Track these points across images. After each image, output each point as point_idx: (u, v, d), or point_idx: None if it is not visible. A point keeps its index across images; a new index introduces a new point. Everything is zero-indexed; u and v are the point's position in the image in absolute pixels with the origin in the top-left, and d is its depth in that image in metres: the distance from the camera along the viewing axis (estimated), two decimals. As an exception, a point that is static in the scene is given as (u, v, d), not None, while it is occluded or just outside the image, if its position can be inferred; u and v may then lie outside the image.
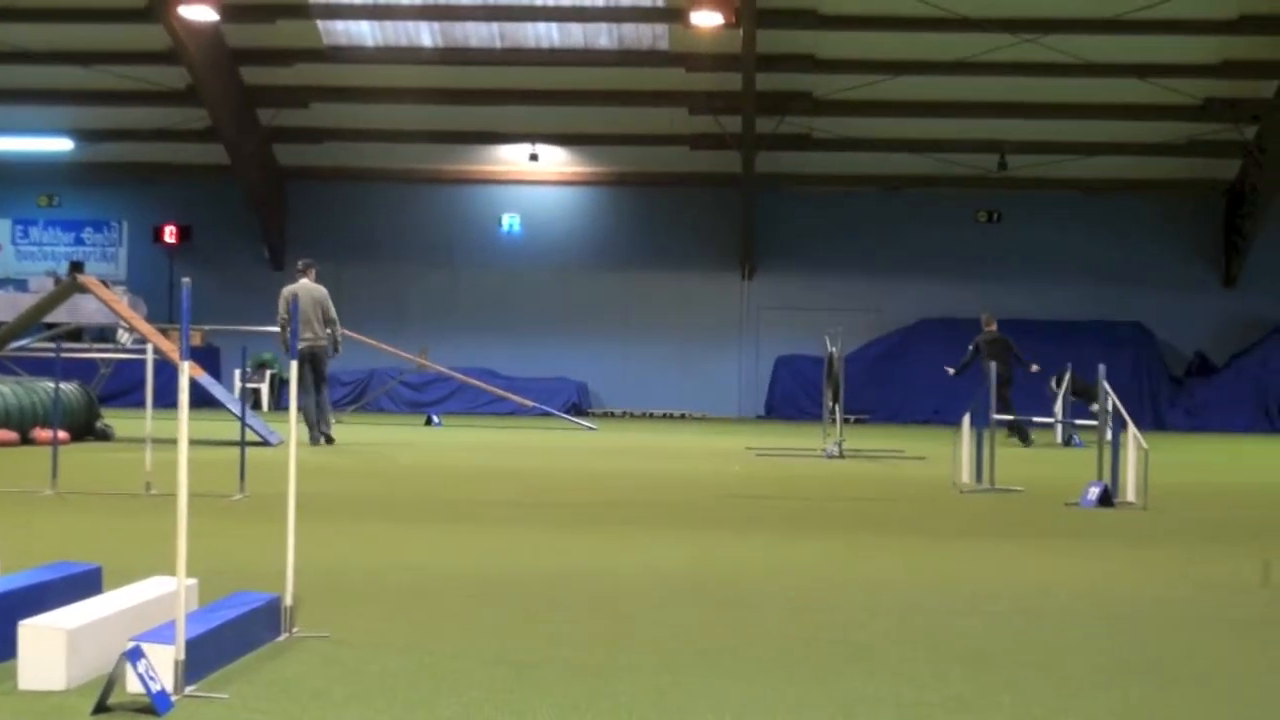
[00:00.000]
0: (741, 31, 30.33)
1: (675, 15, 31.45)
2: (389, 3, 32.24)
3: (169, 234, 36.84)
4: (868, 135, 34.72)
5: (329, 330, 21.13)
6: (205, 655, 5.35)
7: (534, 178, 37.07)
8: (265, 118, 35.49)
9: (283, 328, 21.10)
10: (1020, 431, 24.56)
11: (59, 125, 36.64)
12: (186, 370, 5.33)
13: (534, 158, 36.44)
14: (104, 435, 20.97)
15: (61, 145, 37.13)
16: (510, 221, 37.29)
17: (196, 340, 31.45)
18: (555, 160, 36.90)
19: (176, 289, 36.03)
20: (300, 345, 20.82)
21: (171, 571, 6.36)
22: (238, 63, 34.06)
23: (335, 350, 21.39)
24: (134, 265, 37.74)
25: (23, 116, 36.26)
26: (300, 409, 19.65)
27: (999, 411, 23.78)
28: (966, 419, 15.78)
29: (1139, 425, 14.59)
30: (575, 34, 32.97)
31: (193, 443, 16.61)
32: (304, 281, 21.44)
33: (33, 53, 33.10)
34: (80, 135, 36.68)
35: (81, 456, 16.82)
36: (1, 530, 7.78)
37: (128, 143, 36.38)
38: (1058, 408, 25.16)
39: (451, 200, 37.28)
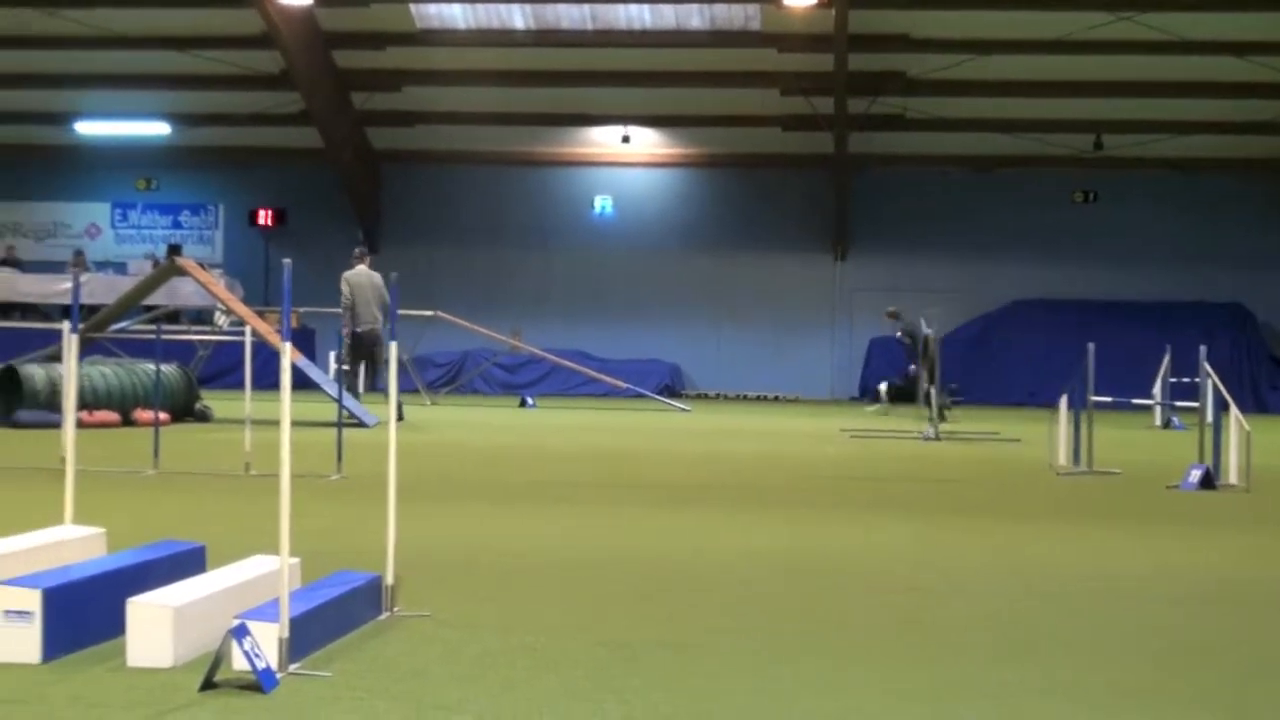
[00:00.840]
0: (834, 11, 30.16)
1: (768, -5, 31.37)
2: (482, -14, 32.37)
3: (264, 217, 37.15)
4: (962, 115, 34.44)
5: (383, 315, 21.60)
6: (308, 633, 5.41)
7: (626, 160, 37.08)
8: (358, 101, 35.68)
9: (346, 311, 21.48)
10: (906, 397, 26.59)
11: (156, 110, 37.00)
12: (289, 351, 5.39)
13: (626, 140, 36.44)
14: (203, 416, 21.20)
15: (159, 130, 37.49)
16: (603, 204, 37.33)
17: (292, 323, 31.70)
18: (647, 142, 36.89)
19: (272, 272, 36.36)
20: (361, 329, 21.57)
21: (273, 550, 6.43)
22: (331, 47, 34.25)
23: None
24: (230, 248, 38.08)
25: (121, 101, 36.64)
26: (348, 388, 20.08)
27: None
28: (1064, 400, 15.66)
29: (1239, 407, 14.43)
30: (667, 15, 32.93)
31: (291, 424, 16.68)
32: (360, 268, 21.94)
33: (130, 38, 33.43)
34: (177, 120, 37.04)
35: (181, 437, 17.01)
36: (107, 509, 7.90)
37: (223, 127, 36.69)
38: (1156, 389, 24.88)
39: (544, 183, 37.36)
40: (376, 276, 21.84)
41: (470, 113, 35.75)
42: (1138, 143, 34.82)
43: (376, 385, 23.08)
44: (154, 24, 33.26)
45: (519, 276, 37.06)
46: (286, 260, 5.53)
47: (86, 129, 37.43)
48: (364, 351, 21.75)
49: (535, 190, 37.36)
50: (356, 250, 22.43)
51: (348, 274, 21.79)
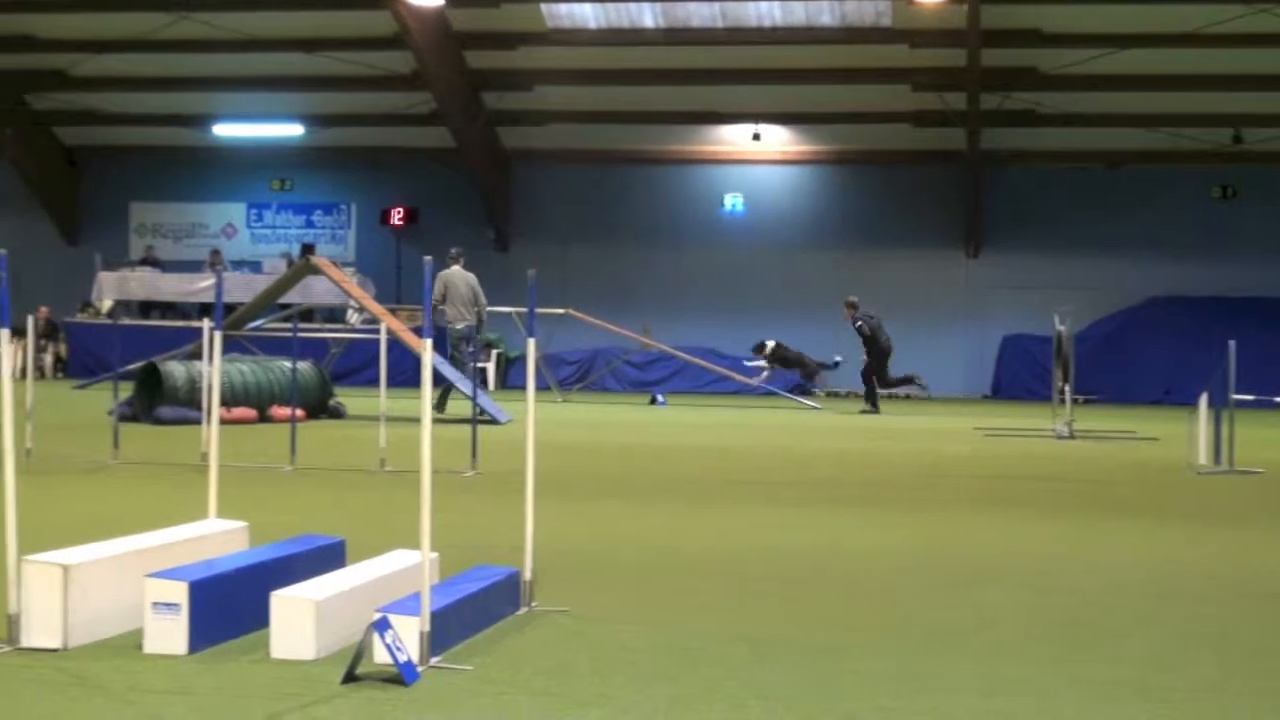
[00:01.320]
0: (966, 6, 29.90)
1: (899, -9, 31.15)
2: (612, -16, 32.43)
3: (396, 216, 37.46)
4: (1095, 110, 33.99)
5: (477, 312, 22.54)
6: (448, 627, 5.43)
7: (756, 157, 36.98)
8: (489, 101, 35.89)
9: (434, 307, 22.04)
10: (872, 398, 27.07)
11: (290, 111, 37.47)
12: (429, 347, 5.41)
13: (756, 137, 36.35)
14: (337, 413, 21.42)
15: (292, 131, 37.97)
16: (733, 201, 37.25)
17: (423, 320, 31.92)
18: (777, 139, 36.77)
19: (404, 270, 36.65)
20: (459, 327, 22.35)
21: (410, 545, 6.48)
22: (462, 47, 34.48)
23: (480, 329, 23.09)
24: (362, 247, 38.45)
25: (255, 103, 37.15)
26: (453, 383, 20.75)
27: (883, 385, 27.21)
28: (1204, 399, 15.39)
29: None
30: (797, 12, 32.80)
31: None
32: (455, 269, 22.54)
33: (264, 40, 33.86)
34: (310, 120, 37.48)
35: (317, 433, 17.19)
36: (247, 504, 7.99)
37: (356, 127, 37.07)
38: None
39: (674, 181, 37.36)
40: (471, 277, 22.59)
41: (600, 111, 35.83)
42: (1277, 137, 34.15)
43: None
44: (288, 27, 33.68)
45: (649, 274, 37.08)
46: (428, 258, 5.55)
47: (223, 131, 37.99)
48: (457, 347, 22.64)
49: (665, 188, 37.37)
50: (453, 251, 23.05)
51: (444, 272, 22.35)
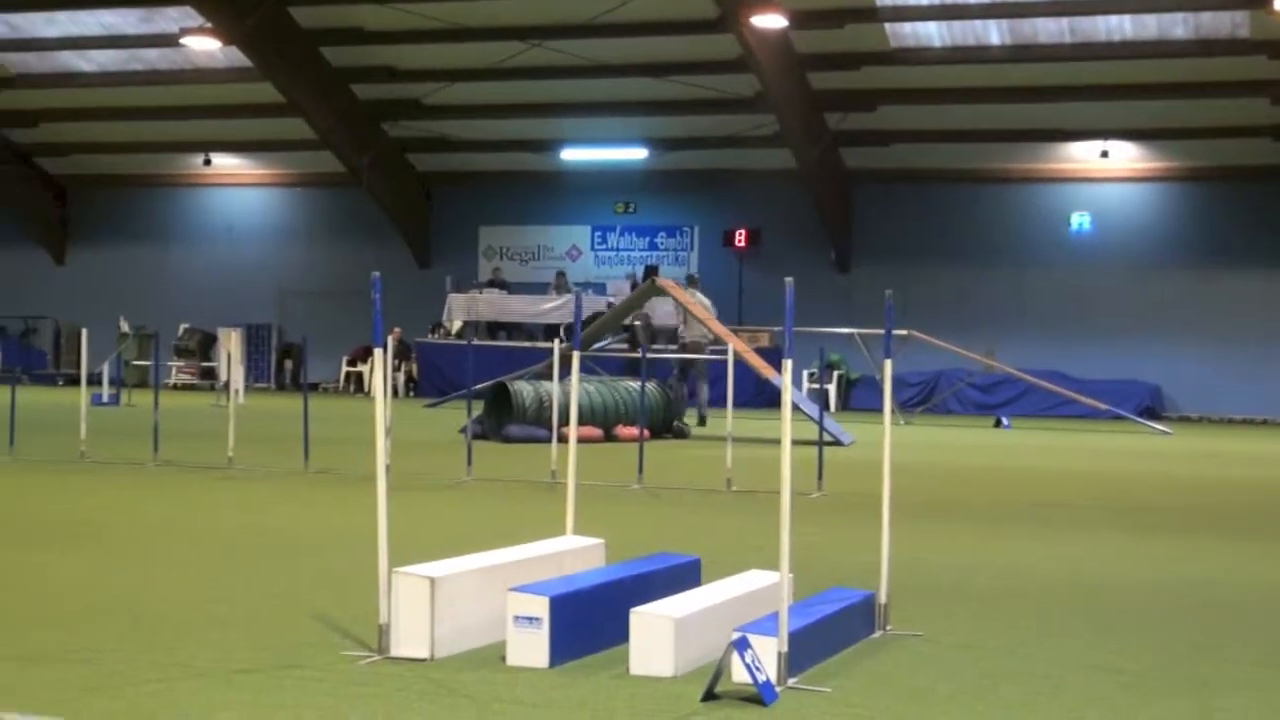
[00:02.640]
0: (1330, 15, 28.73)
1: (1257, 1, 30.01)
2: (957, 2, 32.04)
3: (739, 238, 37.71)
4: None
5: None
6: (806, 648, 5.42)
7: (1105, 175, 36.12)
8: (832, 122, 35.87)
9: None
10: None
11: (635, 135, 38.07)
12: (789, 369, 5.40)
13: (1105, 154, 35.53)
14: (681, 433, 21.62)
15: (636, 155, 38.58)
16: (1080, 220, 36.45)
17: (764, 341, 32.06)
18: (1126, 156, 35.86)
19: (746, 293, 36.85)
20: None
21: (761, 565, 6.49)
22: (806, 68, 34.51)
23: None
24: (704, 268, 38.76)
25: (601, 128, 37.86)
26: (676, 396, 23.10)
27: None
28: None
29: None
30: (1149, 25, 31.93)
31: (770, 441, 16.98)
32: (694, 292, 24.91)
33: (611, 66, 34.48)
34: (654, 144, 38.02)
35: (662, 453, 17.35)
36: (599, 521, 8.10)
37: (699, 150, 37.45)
38: None
39: (1018, 199, 36.75)
40: (705, 299, 24.83)
41: (944, 130, 35.49)
42: None
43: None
44: (635, 52, 34.23)
45: (992, 294, 36.54)
46: (789, 279, 5.55)
47: (570, 155, 38.80)
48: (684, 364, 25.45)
49: (1009, 207, 36.80)
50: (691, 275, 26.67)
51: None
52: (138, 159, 42.39)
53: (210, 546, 8.91)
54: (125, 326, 36.60)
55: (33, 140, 42.32)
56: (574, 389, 7.14)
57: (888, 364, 6.63)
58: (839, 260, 37.61)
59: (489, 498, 12.33)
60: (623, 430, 19.76)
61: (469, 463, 13.71)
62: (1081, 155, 36.08)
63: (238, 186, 43.05)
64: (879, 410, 24.85)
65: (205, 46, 34.84)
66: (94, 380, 25.77)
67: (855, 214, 37.92)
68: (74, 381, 31.01)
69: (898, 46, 33.48)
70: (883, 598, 6.34)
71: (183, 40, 34.31)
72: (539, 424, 18.85)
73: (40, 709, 4.68)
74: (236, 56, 35.72)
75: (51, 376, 40.20)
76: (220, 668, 5.42)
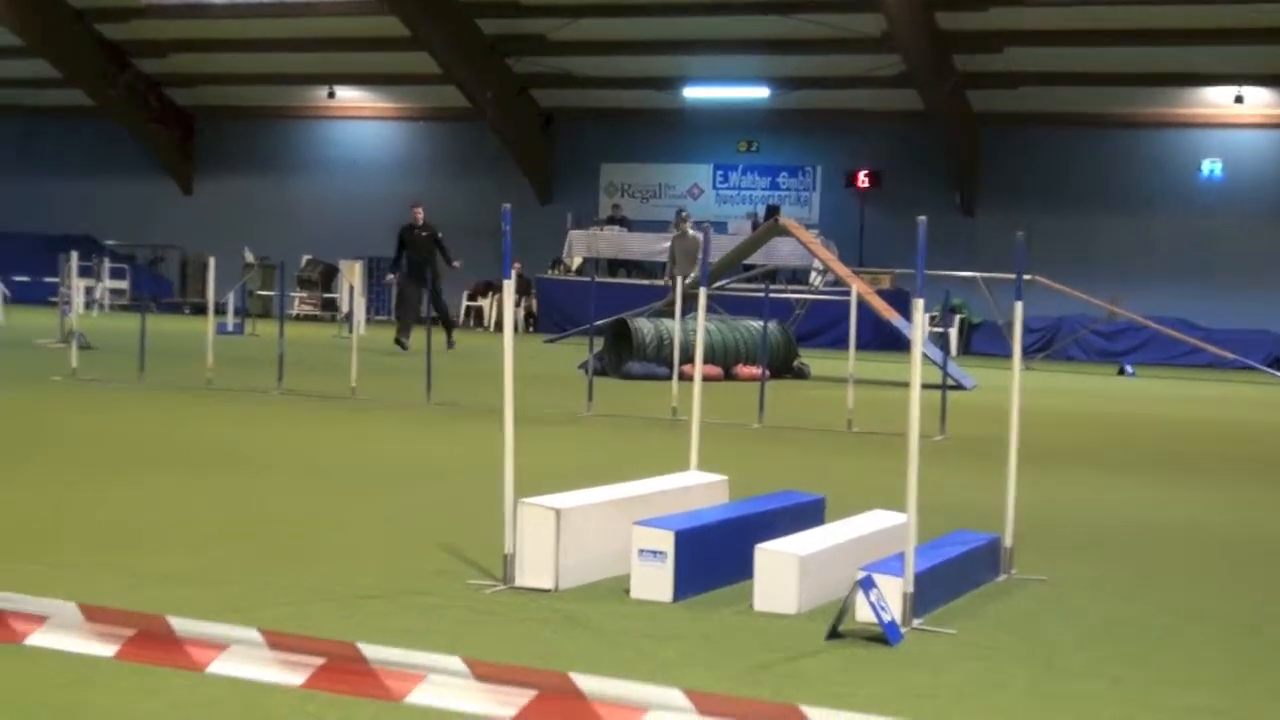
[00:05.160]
0: None
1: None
2: (1090, -57, 31.51)
3: (861, 179, 37.42)
4: None
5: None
6: (931, 590, 5.40)
7: (1238, 120, 35.43)
8: (959, 63, 35.43)
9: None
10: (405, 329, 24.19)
11: (758, 74, 37.83)
12: (919, 308, 5.36)
13: (1239, 100, 34.85)
14: (800, 373, 21.56)
15: (759, 93, 38.35)
16: (1211, 167, 35.81)
17: (886, 284, 31.84)
18: (1261, 102, 35.16)
19: (866, 233, 36.61)
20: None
21: (883, 506, 6.47)
22: (933, 8, 34.09)
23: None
24: (825, 210, 38.53)
25: (723, 66, 37.65)
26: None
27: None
28: None
29: None
30: (1287, -32, 31.27)
31: (890, 384, 16.85)
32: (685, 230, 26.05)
33: (736, 4, 34.28)
34: (777, 83, 37.77)
35: (781, 393, 17.29)
36: (719, 459, 8.07)
37: (822, 90, 37.16)
38: None
39: (1147, 145, 36.16)
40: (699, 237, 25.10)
41: (1072, 73, 34.96)
42: None
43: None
44: (759, -11, 33.98)
45: (1117, 241, 36.02)
46: (921, 218, 5.51)
47: (693, 93, 38.65)
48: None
49: (1137, 153, 36.22)
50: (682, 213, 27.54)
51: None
52: (263, 91, 42.77)
53: (335, 475, 9.01)
54: (249, 257, 37.01)
55: (162, 70, 42.80)
56: (699, 326, 7.12)
57: (1018, 306, 6.57)
58: (963, 203, 37.23)
59: (609, 433, 12.37)
60: (742, 369, 19.74)
61: (589, 398, 13.77)
62: (1214, 100, 35.41)
63: (360, 120, 43.32)
64: (999, 355, 24.83)
65: (332, -21, 35.05)
66: (219, 310, 26.13)
67: (981, 157, 37.48)
68: (200, 310, 31.46)
69: (1017, -14, 32.97)
70: (1008, 541, 6.29)
71: (310, -27, 34.55)
72: (658, 361, 18.87)
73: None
74: (363, -11, 35.92)
75: (178, 305, 40.74)
76: (348, 593, 5.50)
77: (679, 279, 23.62)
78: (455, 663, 2.37)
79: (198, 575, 5.74)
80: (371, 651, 2.28)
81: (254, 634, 2.29)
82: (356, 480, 8.76)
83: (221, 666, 2.29)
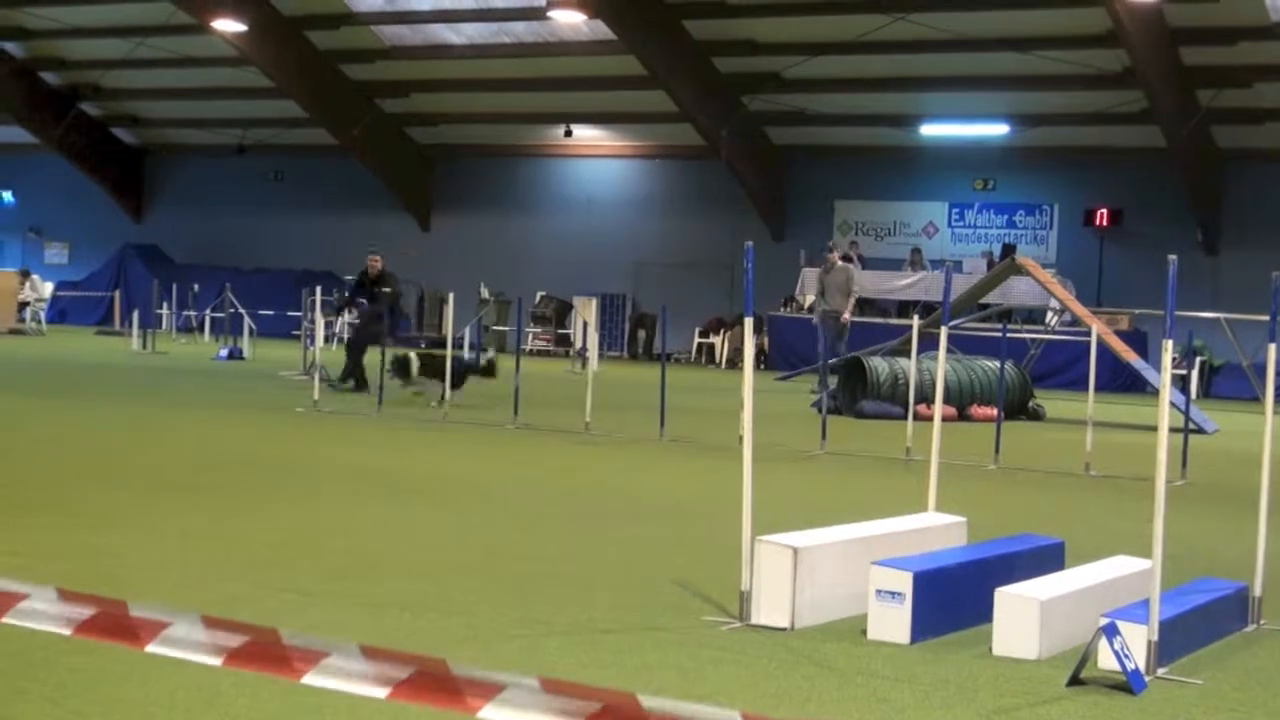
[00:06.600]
0: None
1: None
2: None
3: (1100, 217, 36.71)
4: None
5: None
6: (1176, 638, 5.27)
7: None
8: (1204, 99, 34.62)
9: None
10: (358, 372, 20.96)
11: (996, 111, 37.34)
12: (1169, 349, 5.26)
13: None
14: (1036, 415, 21.22)
15: (997, 130, 37.87)
16: None
17: (1124, 324, 31.19)
18: None
19: (1105, 273, 35.90)
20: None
21: (1126, 551, 6.33)
22: (1178, 43, 33.34)
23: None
24: (1063, 248, 37.84)
25: (961, 103, 37.24)
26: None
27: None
28: None
29: None
30: None
31: (1128, 427, 16.46)
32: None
33: (974, 40, 33.90)
34: (1015, 120, 37.23)
35: (1017, 434, 17.02)
36: (956, 499, 7.97)
37: (1061, 126, 36.55)
38: None
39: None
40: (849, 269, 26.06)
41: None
42: None
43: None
44: (999, 26, 33.59)
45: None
46: (1172, 257, 5.40)
47: (930, 131, 38.35)
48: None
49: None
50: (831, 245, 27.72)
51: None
52: (501, 129, 43.46)
53: (568, 507, 9.10)
54: (485, 292, 37.61)
55: (404, 110, 43.77)
56: (940, 365, 7.06)
57: (1271, 348, 6.37)
58: (1206, 242, 36.31)
59: (843, 471, 12.31)
60: (977, 410, 19.50)
61: (823, 436, 13.71)
62: None
63: (597, 158, 43.77)
64: (1243, 399, 24.08)
65: (570, 19, 35.45)
66: (456, 344, 26.56)
67: (1224, 193, 36.57)
68: (436, 345, 31.99)
69: (1278, 21, 32.14)
70: (1257, 590, 6.12)
71: (549, 13, 34.98)
72: (893, 400, 18.73)
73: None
74: (600, 29, 36.26)
75: (415, 339, 41.53)
76: (582, 627, 5.54)
77: (833, 316, 24.16)
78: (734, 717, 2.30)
79: (437, 604, 5.84)
80: (652, 703, 2.27)
81: (532, 681, 2.31)
82: (589, 513, 8.85)
83: (494, 712, 2.32)
